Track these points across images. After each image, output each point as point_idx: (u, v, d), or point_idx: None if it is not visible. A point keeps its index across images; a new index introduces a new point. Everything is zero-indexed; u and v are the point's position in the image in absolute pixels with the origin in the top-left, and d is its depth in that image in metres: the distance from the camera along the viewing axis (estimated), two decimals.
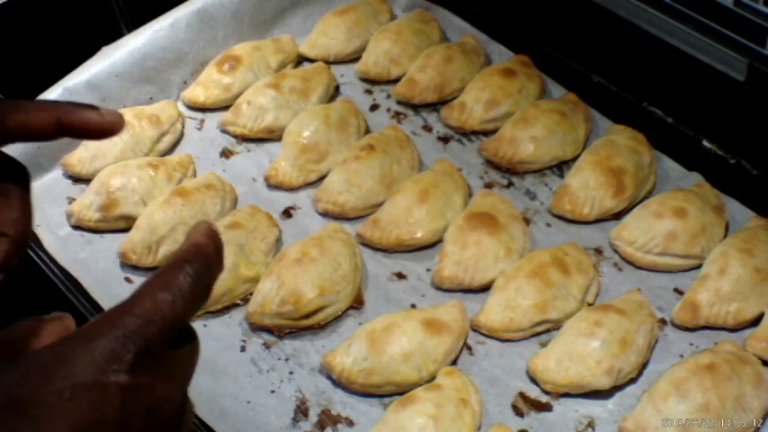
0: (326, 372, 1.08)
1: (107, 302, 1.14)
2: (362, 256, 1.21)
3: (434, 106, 1.42)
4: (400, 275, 1.20)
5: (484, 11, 1.54)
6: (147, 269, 1.20)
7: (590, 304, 1.14)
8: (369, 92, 1.46)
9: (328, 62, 1.49)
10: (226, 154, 1.37)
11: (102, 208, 1.23)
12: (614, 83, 1.40)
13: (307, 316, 1.12)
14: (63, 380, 0.47)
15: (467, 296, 1.16)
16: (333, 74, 1.46)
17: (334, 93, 1.45)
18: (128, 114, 1.34)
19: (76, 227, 1.24)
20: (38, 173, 1.30)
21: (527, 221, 1.24)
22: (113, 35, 1.43)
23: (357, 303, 1.16)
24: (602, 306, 1.12)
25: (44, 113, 0.59)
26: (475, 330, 1.13)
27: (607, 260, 1.21)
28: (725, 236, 1.20)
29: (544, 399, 1.06)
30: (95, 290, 1.16)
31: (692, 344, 1.11)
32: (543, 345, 1.11)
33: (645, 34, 1.30)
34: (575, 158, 1.31)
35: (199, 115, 1.43)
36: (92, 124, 0.59)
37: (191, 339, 0.54)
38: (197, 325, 1.14)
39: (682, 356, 1.09)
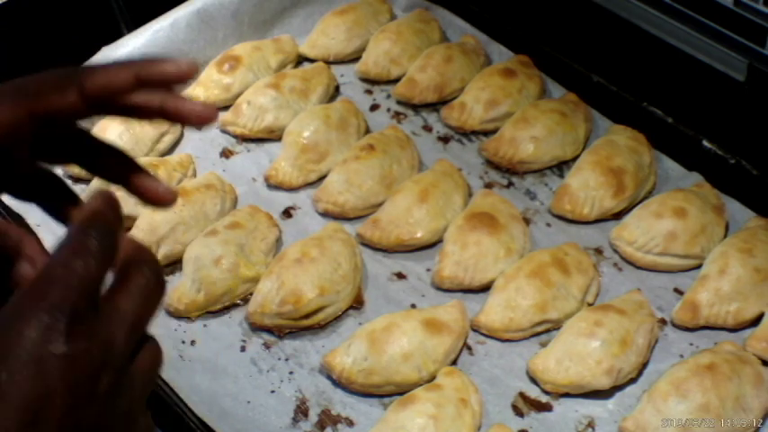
0: (326, 372, 1.08)
1: None
2: (362, 256, 1.20)
3: (434, 106, 1.42)
4: (400, 275, 1.20)
5: (484, 11, 1.54)
6: None
7: (590, 304, 1.14)
8: (369, 92, 1.46)
9: (328, 62, 1.49)
10: (226, 154, 1.37)
11: None
12: (614, 83, 1.40)
13: (307, 316, 1.12)
14: None
15: (467, 296, 1.16)
16: (333, 74, 1.46)
17: (334, 93, 1.45)
18: None
19: None
20: None
21: (527, 221, 1.24)
22: (113, 35, 1.43)
23: (357, 303, 1.16)
24: (602, 306, 1.12)
25: (122, 71, 0.60)
26: (475, 330, 1.13)
27: (607, 260, 1.21)
28: (725, 236, 1.20)
29: (544, 399, 1.06)
30: None
31: (692, 344, 1.11)
32: (543, 345, 1.11)
33: (645, 34, 1.30)
34: (575, 158, 1.31)
35: None
36: (170, 74, 0.60)
37: (148, 340, 0.55)
38: (197, 325, 1.14)
39: (682, 356, 1.09)
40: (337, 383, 1.07)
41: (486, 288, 1.16)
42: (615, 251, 1.21)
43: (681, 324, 1.12)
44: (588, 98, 1.38)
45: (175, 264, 1.20)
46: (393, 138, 1.33)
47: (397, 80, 1.45)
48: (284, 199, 1.30)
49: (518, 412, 1.05)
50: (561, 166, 1.32)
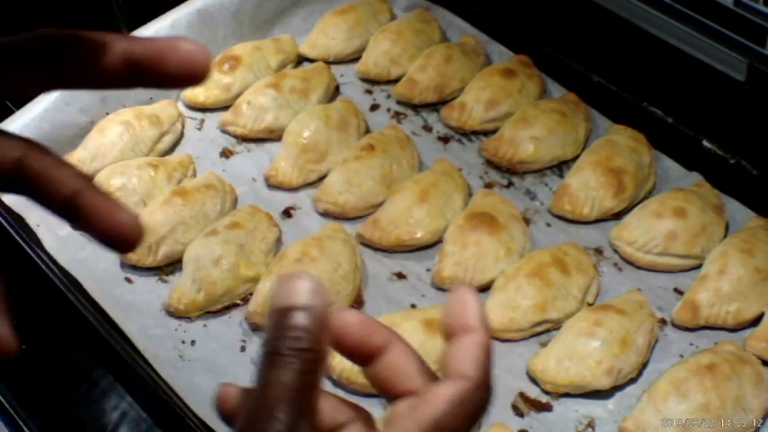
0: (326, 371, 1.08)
1: (107, 302, 1.14)
2: (362, 256, 1.20)
3: (434, 106, 1.42)
4: (400, 275, 1.20)
5: (484, 11, 1.54)
6: (147, 269, 1.20)
7: (590, 304, 1.14)
8: (369, 92, 1.46)
9: (328, 62, 1.49)
10: (226, 154, 1.37)
11: None
12: (614, 83, 1.40)
13: None
14: None
15: None
16: (333, 74, 1.46)
17: (334, 93, 1.45)
18: (128, 114, 1.34)
19: None
20: None
21: (527, 221, 1.24)
22: None
23: (357, 303, 1.16)
24: (602, 306, 1.12)
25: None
26: None
27: (607, 260, 1.21)
28: (725, 236, 1.20)
29: (544, 399, 1.06)
30: (95, 290, 1.16)
31: (692, 344, 1.11)
32: (543, 345, 1.11)
33: (645, 34, 1.30)
34: (575, 158, 1.31)
35: (199, 115, 1.43)
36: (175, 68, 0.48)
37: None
38: (197, 325, 1.14)
39: (682, 356, 1.09)
40: (337, 383, 1.07)
41: (486, 288, 1.16)
42: (615, 251, 1.21)
43: (681, 324, 1.12)
44: (588, 98, 1.38)
45: (175, 264, 1.20)
46: (393, 138, 1.33)
47: (397, 80, 1.45)
48: (284, 199, 1.30)
49: (518, 412, 1.05)
50: (561, 166, 1.32)
